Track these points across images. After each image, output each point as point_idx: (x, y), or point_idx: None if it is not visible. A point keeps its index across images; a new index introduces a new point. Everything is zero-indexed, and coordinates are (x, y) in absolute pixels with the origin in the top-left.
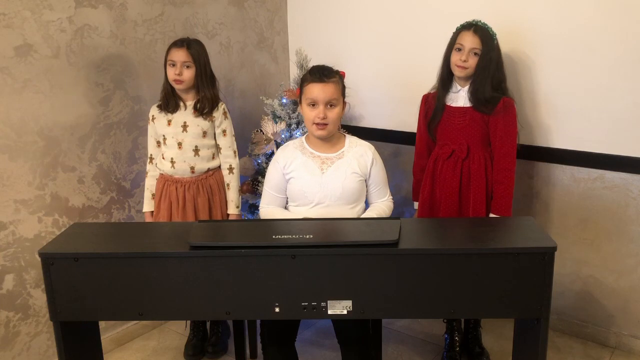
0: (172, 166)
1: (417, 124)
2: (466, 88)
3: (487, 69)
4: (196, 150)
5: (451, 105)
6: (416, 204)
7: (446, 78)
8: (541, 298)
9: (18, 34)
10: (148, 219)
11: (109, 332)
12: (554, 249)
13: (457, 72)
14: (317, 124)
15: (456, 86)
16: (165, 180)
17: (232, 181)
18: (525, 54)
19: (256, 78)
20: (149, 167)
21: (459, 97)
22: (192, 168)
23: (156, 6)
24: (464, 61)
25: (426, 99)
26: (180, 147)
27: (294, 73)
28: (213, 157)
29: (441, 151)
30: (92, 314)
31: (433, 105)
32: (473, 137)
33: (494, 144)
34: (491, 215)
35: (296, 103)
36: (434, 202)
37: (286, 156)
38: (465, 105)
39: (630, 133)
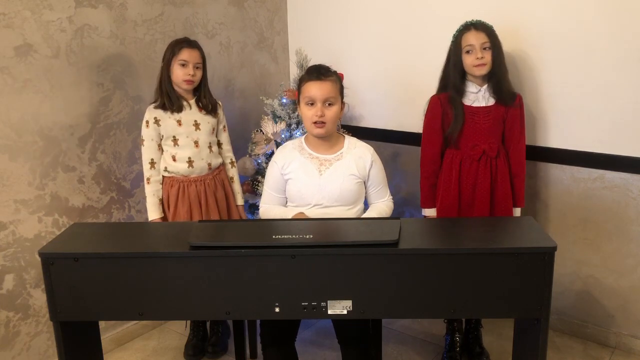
0: (190, 165)
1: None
2: (486, 86)
3: (502, 60)
4: (210, 147)
5: (472, 105)
6: (428, 211)
7: (459, 83)
8: (541, 298)
9: (18, 34)
10: None
11: (109, 332)
12: (554, 249)
13: (477, 72)
14: (315, 122)
15: (475, 86)
16: (179, 183)
17: (235, 174)
18: (526, 55)
19: (256, 78)
20: (150, 172)
21: (479, 97)
22: (209, 165)
23: (156, 6)
24: (481, 58)
25: (439, 101)
26: (197, 146)
27: (294, 73)
28: (218, 153)
29: (471, 152)
30: (92, 314)
31: (449, 109)
32: (498, 135)
33: (512, 138)
34: (514, 208)
35: (296, 103)
36: (464, 205)
37: (285, 157)
38: (488, 104)
39: (631, 133)
